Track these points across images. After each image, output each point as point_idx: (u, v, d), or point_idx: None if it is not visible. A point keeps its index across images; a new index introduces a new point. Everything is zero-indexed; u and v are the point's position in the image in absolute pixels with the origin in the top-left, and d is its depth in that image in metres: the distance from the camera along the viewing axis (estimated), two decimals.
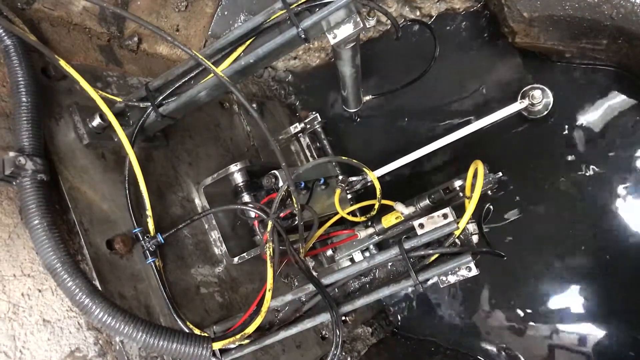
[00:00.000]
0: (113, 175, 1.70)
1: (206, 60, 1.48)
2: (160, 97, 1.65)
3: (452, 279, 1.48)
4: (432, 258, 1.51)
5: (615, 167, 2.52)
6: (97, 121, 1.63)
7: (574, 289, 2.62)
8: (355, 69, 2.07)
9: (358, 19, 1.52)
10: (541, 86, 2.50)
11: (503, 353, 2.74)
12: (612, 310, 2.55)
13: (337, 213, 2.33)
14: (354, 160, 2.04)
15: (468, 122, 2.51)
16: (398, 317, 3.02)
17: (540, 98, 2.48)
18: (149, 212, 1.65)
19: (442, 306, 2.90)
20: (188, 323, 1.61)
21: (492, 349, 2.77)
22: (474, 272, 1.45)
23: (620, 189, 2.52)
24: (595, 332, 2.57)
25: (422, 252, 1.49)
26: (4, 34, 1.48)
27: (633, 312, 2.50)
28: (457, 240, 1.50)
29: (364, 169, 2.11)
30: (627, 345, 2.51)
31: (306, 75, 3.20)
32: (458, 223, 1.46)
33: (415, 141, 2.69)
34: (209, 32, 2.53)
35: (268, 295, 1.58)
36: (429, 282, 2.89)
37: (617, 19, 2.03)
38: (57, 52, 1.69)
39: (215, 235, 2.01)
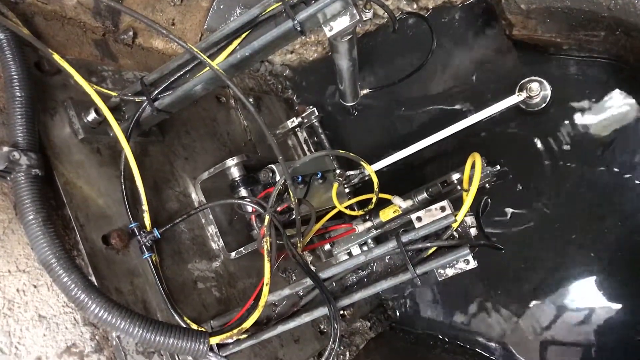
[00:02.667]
0: (109, 170, 1.69)
1: (201, 54, 1.46)
2: (156, 91, 1.64)
3: (450, 272, 1.48)
4: (430, 251, 1.50)
5: (614, 159, 2.51)
6: (92, 116, 1.62)
7: (573, 283, 2.62)
8: (352, 62, 2.05)
9: (354, 11, 1.51)
10: (539, 79, 2.49)
11: (500, 346, 2.74)
12: (610, 305, 2.55)
13: (334, 207, 2.33)
14: (351, 154, 2.03)
15: (466, 115, 2.49)
16: (397, 311, 3.02)
17: (538, 90, 2.47)
18: (145, 207, 1.64)
19: (441, 300, 2.90)
20: (185, 318, 1.60)
21: (490, 342, 2.77)
22: (472, 264, 1.44)
23: (620, 180, 2.51)
24: (592, 328, 2.58)
25: (420, 245, 1.49)
26: None
27: (630, 309, 2.51)
28: (455, 233, 1.49)
29: (361, 162, 2.10)
30: (625, 342, 2.52)
31: (303, 69, 3.18)
32: (456, 216, 1.46)
33: (412, 134, 2.68)
34: (205, 26, 2.51)
35: (265, 289, 1.57)
36: (427, 276, 2.89)
37: (614, 10, 2.02)
38: (51, 47, 1.67)
39: (212, 230, 2.00)
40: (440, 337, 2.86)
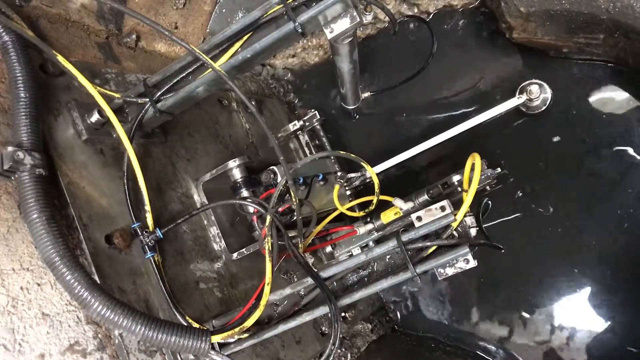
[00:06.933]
0: (112, 170, 1.70)
1: (204, 55, 1.48)
2: (159, 93, 1.66)
3: (450, 271, 1.48)
4: (430, 250, 1.51)
5: (615, 162, 2.52)
6: (95, 117, 1.64)
7: (574, 287, 2.62)
8: (353, 65, 2.07)
9: (355, 13, 1.53)
10: (539, 81, 2.50)
11: (501, 350, 2.74)
12: (611, 308, 2.55)
13: (336, 209, 2.33)
14: (352, 155, 2.04)
15: (467, 118, 2.51)
16: (398, 314, 3.02)
17: (538, 93, 2.48)
18: (147, 207, 1.66)
19: (442, 303, 2.90)
20: (187, 317, 1.61)
21: (491, 345, 2.77)
22: (472, 264, 1.45)
23: (620, 184, 2.52)
24: (595, 330, 2.58)
25: (420, 245, 1.50)
26: (2, 31, 1.49)
27: (632, 310, 2.51)
28: (454, 233, 1.50)
29: (362, 163, 2.10)
30: (627, 342, 2.52)
31: (305, 73, 3.20)
32: (455, 215, 1.47)
33: (414, 137, 2.70)
34: (207, 30, 2.53)
35: (267, 289, 1.58)
36: (429, 277, 2.90)
37: (613, 12, 2.04)
38: (55, 49, 1.68)
39: (214, 231, 2.02)
40: (442, 339, 2.86)
